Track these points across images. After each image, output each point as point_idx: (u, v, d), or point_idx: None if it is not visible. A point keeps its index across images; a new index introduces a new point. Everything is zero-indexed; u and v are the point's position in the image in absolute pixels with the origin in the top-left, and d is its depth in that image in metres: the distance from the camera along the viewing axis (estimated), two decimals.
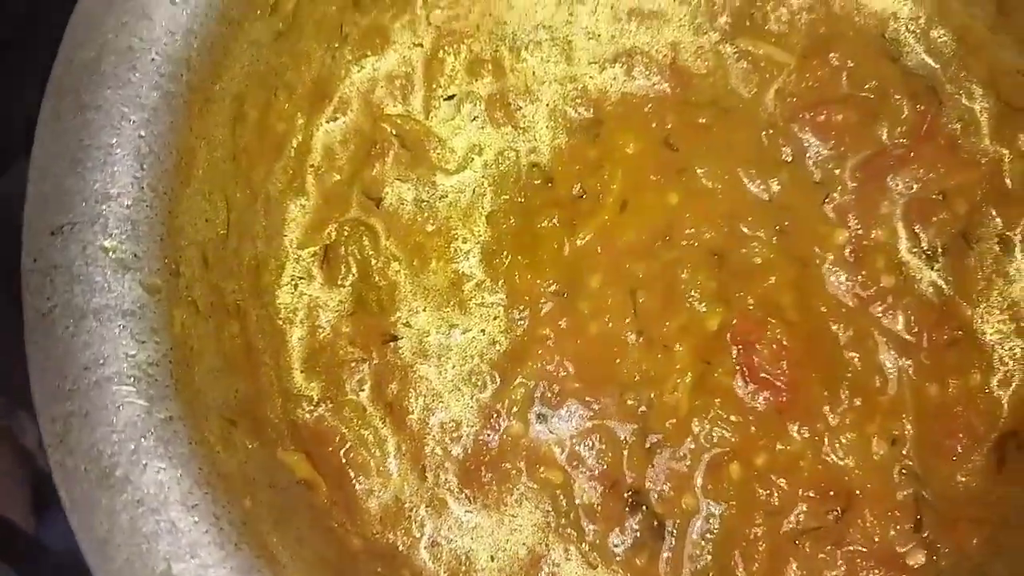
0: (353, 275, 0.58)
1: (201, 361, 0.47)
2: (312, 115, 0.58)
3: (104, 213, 0.44)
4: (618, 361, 0.57)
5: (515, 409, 0.57)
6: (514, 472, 0.56)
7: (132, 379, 0.43)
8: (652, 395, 0.57)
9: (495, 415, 0.57)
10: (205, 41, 0.47)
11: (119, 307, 0.43)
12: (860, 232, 0.59)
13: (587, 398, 0.57)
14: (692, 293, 0.58)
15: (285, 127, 0.56)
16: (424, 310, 0.58)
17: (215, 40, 0.48)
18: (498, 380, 0.57)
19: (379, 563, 0.53)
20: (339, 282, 0.58)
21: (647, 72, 0.61)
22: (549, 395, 0.57)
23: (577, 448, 0.57)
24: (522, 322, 0.58)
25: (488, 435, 0.57)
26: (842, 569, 0.56)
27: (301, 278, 0.58)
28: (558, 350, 0.57)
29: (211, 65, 0.48)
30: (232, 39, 0.49)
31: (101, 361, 0.43)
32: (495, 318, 0.58)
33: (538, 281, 0.58)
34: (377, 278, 0.58)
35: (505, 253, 0.59)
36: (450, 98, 0.61)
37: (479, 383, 0.58)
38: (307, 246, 0.59)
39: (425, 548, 0.55)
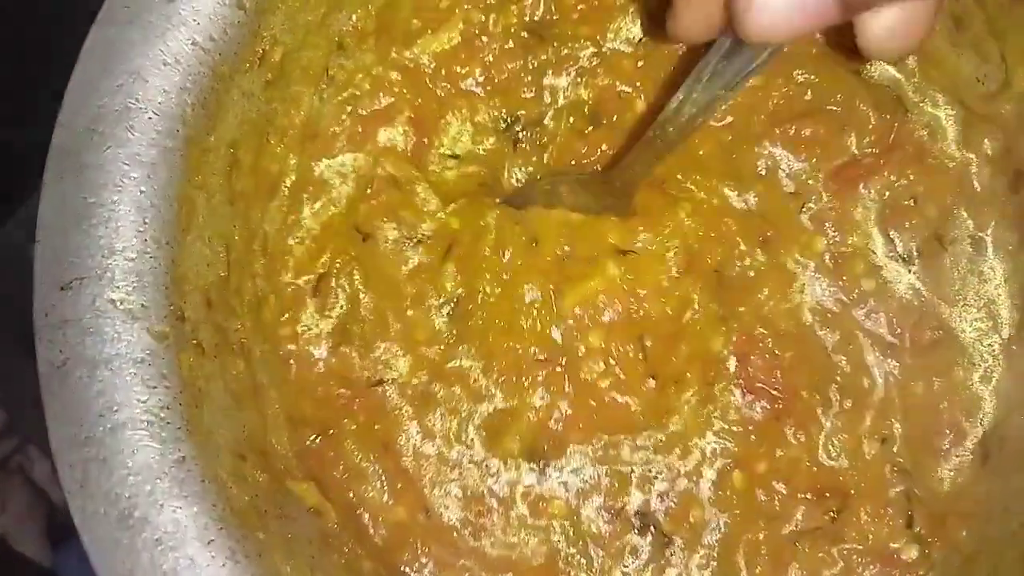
0: (341, 307, 0.60)
1: (209, 400, 0.48)
2: (303, 154, 0.60)
3: (111, 267, 0.46)
4: (634, 408, 0.59)
5: (508, 460, 0.58)
6: (517, 514, 0.58)
7: (145, 423, 0.45)
8: (662, 421, 0.59)
9: (489, 461, 0.58)
10: (199, 97, 0.49)
11: (129, 356, 0.45)
12: (837, 239, 0.61)
13: (592, 441, 0.58)
14: (697, 319, 0.59)
15: (278, 168, 0.58)
16: (405, 355, 0.59)
17: (208, 95, 0.50)
18: (485, 435, 0.58)
19: None
20: (327, 313, 0.60)
21: None
22: (546, 445, 0.58)
23: (581, 481, 0.58)
24: (505, 384, 0.59)
25: (486, 480, 0.58)
26: (840, 567, 0.58)
27: (297, 308, 0.60)
28: (552, 409, 0.58)
29: (205, 118, 0.50)
30: (224, 92, 0.51)
31: (115, 408, 0.45)
32: (474, 381, 0.59)
33: (518, 347, 0.58)
34: (363, 312, 0.59)
35: (481, 313, 0.59)
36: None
37: (467, 440, 0.58)
38: (301, 275, 0.60)
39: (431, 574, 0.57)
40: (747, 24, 0.41)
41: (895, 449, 0.59)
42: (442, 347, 0.59)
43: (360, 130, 0.62)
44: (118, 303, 0.46)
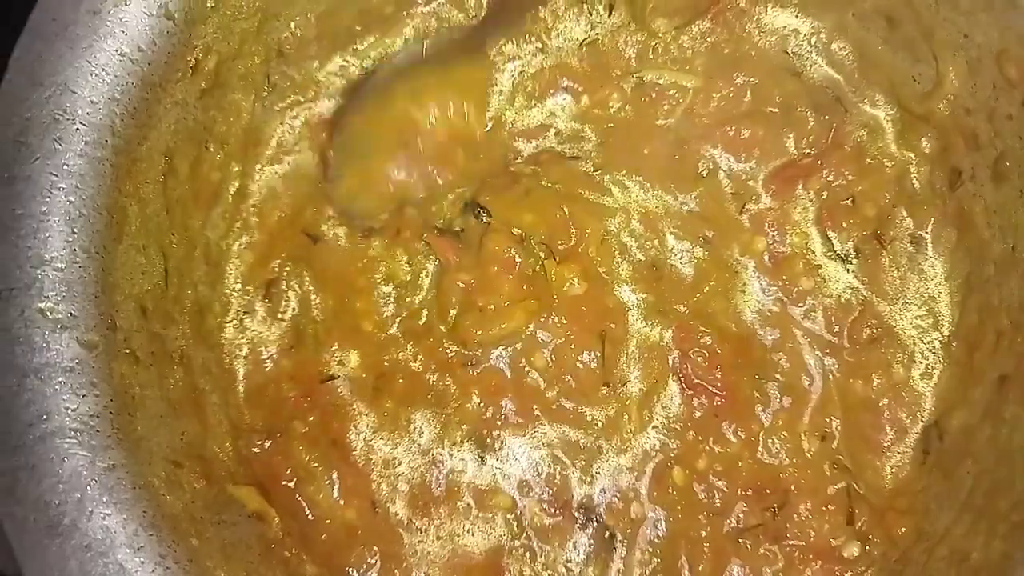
0: (293, 309, 0.61)
1: (143, 409, 0.49)
2: (247, 161, 0.60)
3: (40, 277, 0.46)
4: (585, 410, 0.60)
5: (455, 449, 0.59)
6: (463, 506, 0.58)
7: (74, 432, 0.45)
8: (605, 416, 0.60)
9: (436, 455, 0.59)
10: (128, 107, 0.49)
11: (58, 365, 0.46)
12: (777, 239, 0.61)
13: (533, 430, 0.59)
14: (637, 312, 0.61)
15: (220, 176, 0.58)
16: (355, 350, 0.60)
17: (138, 104, 0.50)
18: (436, 426, 0.59)
19: None
20: (279, 316, 0.60)
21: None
22: (490, 435, 0.59)
23: (525, 475, 0.59)
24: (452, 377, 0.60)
25: (432, 472, 0.59)
26: (781, 564, 0.58)
27: (245, 313, 0.60)
28: (498, 393, 0.59)
29: (136, 128, 0.50)
30: (155, 102, 0.51)
31: (44, 417, 0.45)
32: (421, 372, 0.60)
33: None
34: (315, 312, 0.60)
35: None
36: None
37: (415, 429, 0.59)
38: (251, 282, 0.61)
39: (378, 574, 0.57)
40: None
41: (835, 446, 0.59)
42: (390, 337, 0.60)
43: (308, 137, 0.63)
44: (47, 313, 0.46)
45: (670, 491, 0.59)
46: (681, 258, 0.62)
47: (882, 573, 0.55)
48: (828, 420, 0.60)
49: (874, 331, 0.60)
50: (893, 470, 0.59)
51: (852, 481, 0.59)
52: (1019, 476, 0.49)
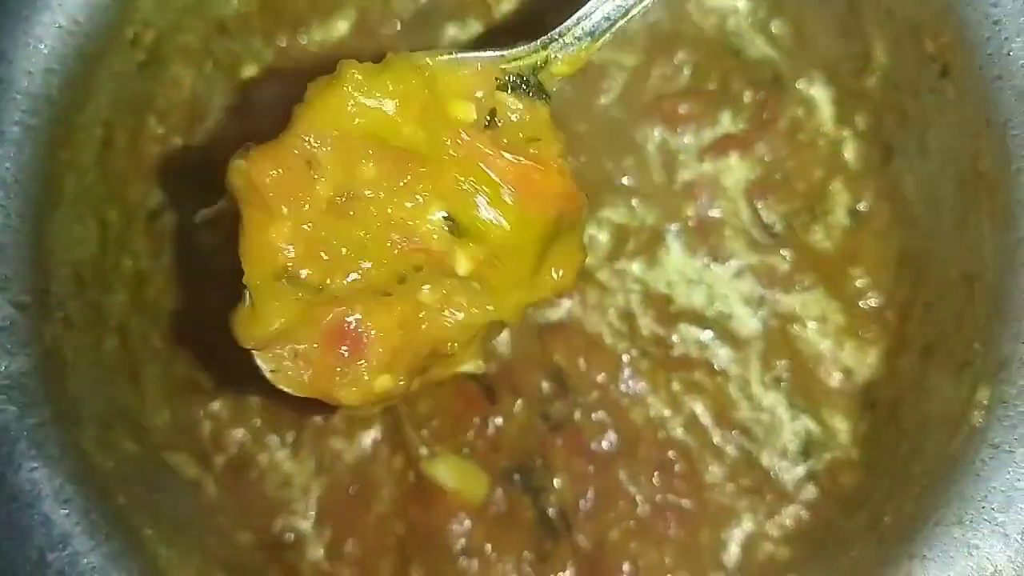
0: None
1: (75, 371, 0.50)
2: (190, 135, 0.61)
3: None
4: None
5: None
6: None
7: (4, 388, 0.47)
8: None
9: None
10: (64, 77, 0.50)
11: None
12: (706, 206, 0.62)
13: None
14: None
15: (160, 149, 0.59)
16: None
17: (75, 75, 0.51)
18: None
19: (268, 554, 0.57)
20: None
21: None
22: None
23: None
24: None
25: None
26: None
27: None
28: None
29: (72, 97, 0.51)
30: (93, 73, 0.52)
31: None
32: None
33: None
34: None
35: None
36: None
37: None
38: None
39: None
40: None
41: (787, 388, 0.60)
42: None
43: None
44: None
45: None
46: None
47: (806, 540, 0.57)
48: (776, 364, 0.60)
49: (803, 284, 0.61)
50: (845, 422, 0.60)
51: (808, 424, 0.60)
52: (932, 441, 0.50)
